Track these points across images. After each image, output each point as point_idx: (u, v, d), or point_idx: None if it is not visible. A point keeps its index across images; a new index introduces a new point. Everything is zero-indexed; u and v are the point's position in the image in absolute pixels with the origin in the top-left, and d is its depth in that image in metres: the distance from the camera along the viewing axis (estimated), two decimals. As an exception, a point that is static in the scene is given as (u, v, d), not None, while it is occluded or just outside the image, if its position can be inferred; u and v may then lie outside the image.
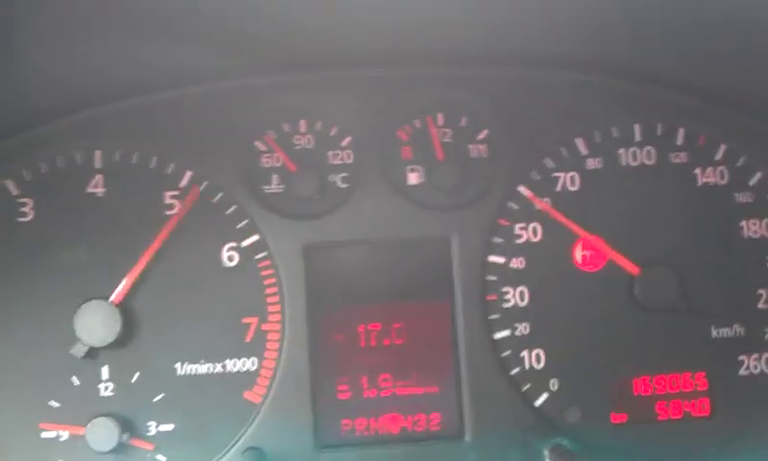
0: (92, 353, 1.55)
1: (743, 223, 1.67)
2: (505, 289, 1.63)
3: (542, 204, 1.65)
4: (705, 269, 1.65)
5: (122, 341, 1.56)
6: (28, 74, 1.44)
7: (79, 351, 1.54)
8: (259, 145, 1.66)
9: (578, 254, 1.64)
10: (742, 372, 1.64)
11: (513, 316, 1.63)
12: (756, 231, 1.67)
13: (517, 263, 1.64)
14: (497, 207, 1.65)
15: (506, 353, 1.62)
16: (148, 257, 1.58)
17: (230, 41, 1.49)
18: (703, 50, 1.51)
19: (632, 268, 1.62)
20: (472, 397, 1.60)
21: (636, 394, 1.62)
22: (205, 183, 1.63)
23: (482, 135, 1.69)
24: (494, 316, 1.62)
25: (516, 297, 1.63)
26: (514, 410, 1.60)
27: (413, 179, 1.67)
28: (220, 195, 1.63)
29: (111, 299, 1.55)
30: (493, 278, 1.64)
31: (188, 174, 1.63)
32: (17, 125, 1.61)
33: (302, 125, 1.68)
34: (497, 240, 1.64)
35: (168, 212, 1.61)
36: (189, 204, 1.61)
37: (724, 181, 1.68)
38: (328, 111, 1.67)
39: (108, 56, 1.46)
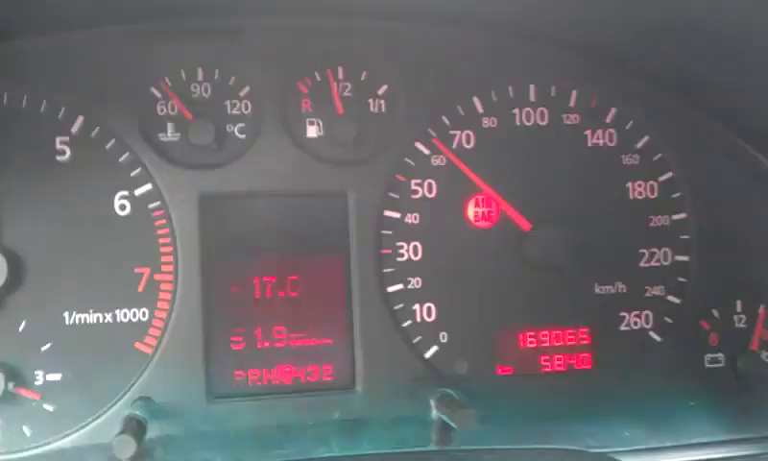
0: None
1: (629, 184, 1.74)
2: (399, 243, 1.66)
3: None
4: (592, 228, 1.72)
5: (8, 288, 1.52)
6: None
7: None
8: (155, 91, 1.63)
9: (470, 210, 1.68)
10: (623, 327, 1.72)
11: (406, 270, 1.66)
12: (640, 193, 1.74)
13: (412, 218, 1.67)
14: (395, 163, 1.67)
15: (398, 307, 1.65)
16: None
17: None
18: (598, 13, 1.55)
19: (523, 224, 1.67)
20: (364, 348, 1.64)
21: (521, 347, 1.69)
22: (98, 129, 1.59)
23: (381, 90, 1.70)
24: (388, 270, 1.65)
25: (409, 251, 1.66)
26: (404, 362, 1.64)
27: (311, 132, 1.67)
28: (112, 141, 1.59)
29: None
30: (389, 232, 1.66)
31: (80, 119, 1.59)
32: None
33: (200, 73, 1.65)
34: (394, 195, 1.67)
35: (59, 158, 1.57)
36: None
37: (613, 144, 1.74)
38: (227, 60, 1.65)
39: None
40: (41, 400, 1.54)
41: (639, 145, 1.74)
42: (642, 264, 1.73)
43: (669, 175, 1.74)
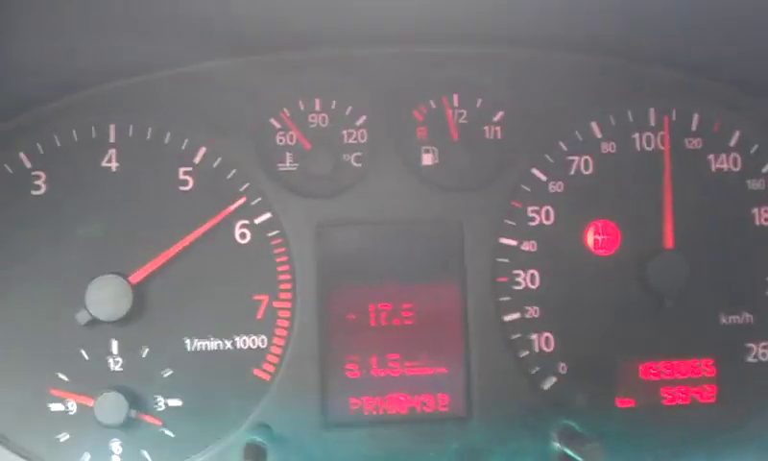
0: (96, 322, 1.55)
1: (755, 210, 1.67)
2: (516, 272, 1.64)
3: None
4: (716, 255, 1.65)
5: (132, 316, 1.56)
6: (43, 47, 1.42)
7: (83, 317, 1.54)
8: (274, 122, 1.66)
9: (590, 237, 1.64)
10: (750, 359, 1.65)
11: (523, 299, 1.63)
12: (767, 219, 1.67)
13: (529, 246, 1.64)
14: (511, 190, 1.65)
15: (515, 336, 1.62)
16: (179, 248, 1.58)
17: (246, 18, 1.48)
18: (722, 35, 1.50)
19: (669, 241, 1.62)
20: (480, 378, 1.61)
21: (642, 379, 1.63)
22: (219, 159, 1.63)
23: (497, 117, 1.68)
24: (505, 298, 1.63)
25: (526, 280, 1.64)
26: (521, 393, 1.60)
27: (427, 159, 1.67)
28: (234, 172, 1.63)
29: (130, 278, 1.55)
30: (505, 260, 1.64)
31: (202, 150, 1.62)
32: (32, 98, 1.60)
33: (317, 103, 1.67)
34: (510, 222, 1.64)
35: (182, 188, 1.61)
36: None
37: (737, 168, 1.68)
38: (343, 90, 1.66)
39: (120, 33, 1.45)
40: (162, 426, 1.57)
41: (766, 169, 1.68)
42: (770, 293, 1.66)
43: (797, 200, 1.67)
